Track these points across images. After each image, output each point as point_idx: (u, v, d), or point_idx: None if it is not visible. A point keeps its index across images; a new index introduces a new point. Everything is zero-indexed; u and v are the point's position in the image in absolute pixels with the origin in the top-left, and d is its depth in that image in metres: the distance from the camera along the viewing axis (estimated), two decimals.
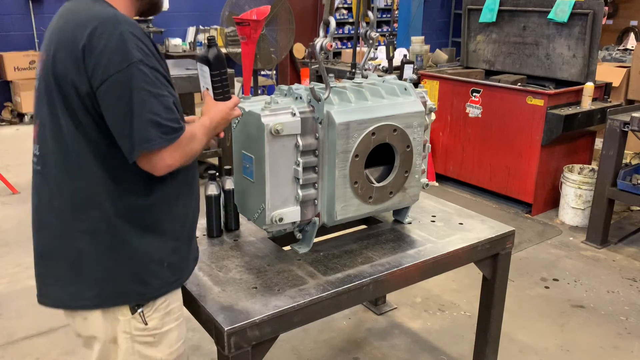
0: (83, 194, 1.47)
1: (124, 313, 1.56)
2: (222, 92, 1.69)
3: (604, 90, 4.81)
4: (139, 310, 1.56)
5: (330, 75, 1.97)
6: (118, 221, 1.49)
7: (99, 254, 1.50)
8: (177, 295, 1.67)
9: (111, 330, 1.58)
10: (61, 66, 1.40)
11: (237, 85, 6.40)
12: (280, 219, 1.91)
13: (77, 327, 1.61)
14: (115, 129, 1.40)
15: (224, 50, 6.20)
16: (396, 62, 5.27)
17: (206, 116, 1.65)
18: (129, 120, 1.36)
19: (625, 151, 4.21)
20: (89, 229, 1.49)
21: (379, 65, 5.50)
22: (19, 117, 7.53)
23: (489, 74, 5.38)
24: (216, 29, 8.80)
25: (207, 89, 1.71)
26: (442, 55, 5.90)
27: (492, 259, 2.33)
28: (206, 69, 1.67)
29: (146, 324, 1.58)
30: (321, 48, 1.85)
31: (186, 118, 1.64)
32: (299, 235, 2.08)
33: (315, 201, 1.98)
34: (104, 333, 1.58)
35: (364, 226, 2.37)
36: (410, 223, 2.35)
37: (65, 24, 1.43)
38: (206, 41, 1.69)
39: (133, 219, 1.51)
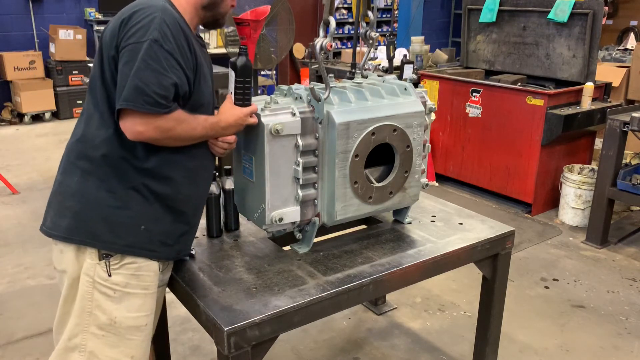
0: (91, 139, 1.68)
1: (92, 256, 1.68)
2: (242, 98, 1.80)
3: (604, 90, 4.81)
4: (105, 258, 1.67)
5: (330, 75, 1.97)
6: (109, 171, 1.66)
7: (84, 191, 1.67)
8: (150, 266, 1.75)
9: (77, 271, 1.69)
10: (107, 34, 1.67)
11: None
12: (280, 219, 1.91)
13: (54, 259, 1.75)
14: (117, 88, 1.59)
15: (223, 50, 6.19)
16: (396, 62, 5.26)
17: (218, 115, 1.79)
18: (124, 81, 1.56)
19: (625, 151, 4.21)
20: (84, 169, 1.68)
21: (379, 65, 5.50)
22: (19, 117, 7.53)
23: (489, 74, 5.38)
24: (216, 29, 8.80)
25: (231, 92, 1.83)
26: (442, 55, 5.89)
27: (492, 259, 2.33)
28: (232, 74, 1.81)
29: (110, 275, 1.68)
30: (321, 48, 1.85)
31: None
32: (299, 235, 2.08)
33: (315, 201, 1.98)
34: (72, 269, 1.70)
35: (364, 226, 2.37)
36: (410, 223, 2.34)
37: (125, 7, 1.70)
38: (238, 49, 1.84)
39: (125, 175, 1.67)
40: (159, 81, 1.56)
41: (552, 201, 4.77)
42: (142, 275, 1.73)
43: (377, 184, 2.06)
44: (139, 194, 1.69)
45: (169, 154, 1.70)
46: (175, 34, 1.61)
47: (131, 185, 1.68)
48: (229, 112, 1.79)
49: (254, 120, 1.83)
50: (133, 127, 1.58)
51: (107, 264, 1.67)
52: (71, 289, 1.71)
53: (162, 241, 1.75)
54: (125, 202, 1.67)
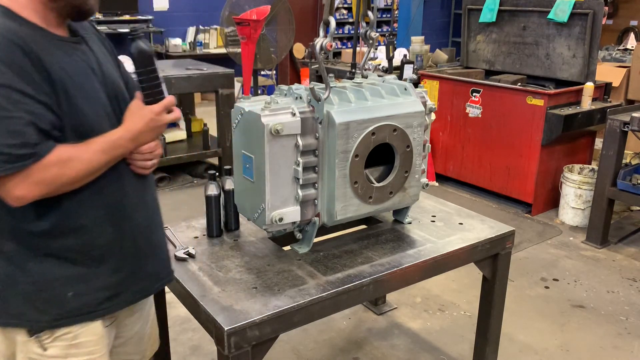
0: None
1: (22, 335, 1.47)
2: (150, 93, 1.47)
3: (604, 90, 4.81)
4: (35, 336, 1.46)
5: (330, 75, 1.97)
6: (12, 245, 1.41)
7: None
8: (90, 330, 1.52)
9: (10, 349, 1.51)
10: None
11: (237, 85, 6.40)
12: (280, 219, 1.91)
13: None
14: None
15: (223, 50, 6.20)
16: (396, 62, 5.26)
17: (121, 127, 1.45)
18: None
19: (625, 151, 4.21)
20: None
21: (379, 65, 5.50)
22: None
23: (489, 74, 5.38)
24: (216, 29, 8.80)
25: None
26: (442, 55, 5.89)
27: (492, 259, 2.33)
28: (132, 67, 1.49)
29: (45, 349, 1.48)
30: (321, 48, 1.85)
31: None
32: (299, 235, 2.08)
33: (315, 201, 1.98)
34: (4, 348, 1.51)
35: (364, 226, 2.37)
36: (410, 223, 2.34)
37: None
38: (129, 33, 1.47)
39: (28, 244, 1.41)
40: (6, 129, 1.24)
41: (552, 201, 4.77)
42: (83, 342, 1.51)
43: (377, 184, 2.06)
44: (52, 260, 1.43)
45: (68, 202, 1.40)
46: (7, 57, 1.25)
47: (39, 254, 1.42)
48: (135, 116, 1.46)
49: (172, 116, 1.52)
50: (8, 194, 1.30)
51: (40, 339, 1.46)
52: None
53: (100, 299, 1.51)
54: (39, 275, 1.43)
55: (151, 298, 1.81)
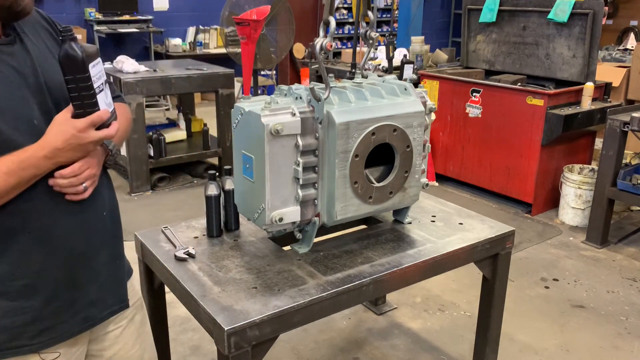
0: None
1: None
2: (81, 104, 1.26)
3: (604, 90, 4.81)
4: None
5: (330, 75, 1.97)
6: None
7: None
8: None
9: None
10: None
11: (237, 85, 6.40)
12: (280, 219, 1.91)
13: None
14: None
15: (223, 50, 6.20)
16: (396, 62, 5.27)
17: (38, 141, 1.25)
18: None
19: (625, 151, 4.21)
20: None
21: (379, 65, 5.50)
22: None
23: (489, 74, 5.38)
24: (216, 29, 8.80)
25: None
26: (442, 55, 5.90)
27: (492, 259, 2.33)
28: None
29: None
30: (321, 48, 1.84)
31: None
32: (299, 235, 2.08)
33: (315, 201, 1.98)
34: None
35: (364, 226, 2.37)
36: (410, 223, 2.34)
37: None
38: (61, 35, 1.26)
39: None
40: None
41: (552, 201, 4.77)
42: None
43: (377, 184, 2.06)
44: None
45: None
46: None
47: None
48: (56, 129, 1.25)
49: (102, 134, 1.30)
50: None
51: None
52: None
53: (33, 332, 1.36)
54: None
55: (140, 317, 1.70)
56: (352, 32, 9.59)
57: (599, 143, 4.83)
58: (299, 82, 6.26)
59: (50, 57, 1.35)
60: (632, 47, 7.45)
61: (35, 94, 1.29)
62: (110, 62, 5.21)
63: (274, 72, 8.10)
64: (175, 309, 2.97)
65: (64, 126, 1.25)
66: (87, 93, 1.26)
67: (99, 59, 1.33)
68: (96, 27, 7.78)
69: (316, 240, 2.12)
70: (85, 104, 1.27)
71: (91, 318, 1.48)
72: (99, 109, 1.28)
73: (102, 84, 1.33)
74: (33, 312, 1.34)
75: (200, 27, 8.84)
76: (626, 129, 3.87)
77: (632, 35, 8.75)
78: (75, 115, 1.27)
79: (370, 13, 2.15)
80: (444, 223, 2.37)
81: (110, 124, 1.33)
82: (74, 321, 1.43)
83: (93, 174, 1.35)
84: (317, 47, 1.84)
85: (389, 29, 9.50)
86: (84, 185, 1.33)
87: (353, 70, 4.60)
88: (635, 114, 3.82)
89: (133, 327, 1.68)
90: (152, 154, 5.01)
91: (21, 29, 1.33)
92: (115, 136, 1.35)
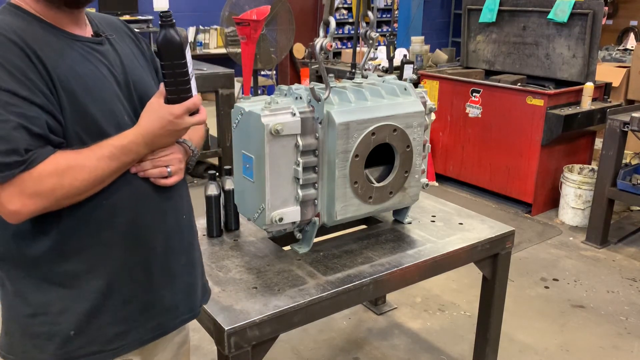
0: None
1: None
2: (175, 90, 1.27)
3: (604, 90, 4.81)
4: None
5: (330, 75, 1.97)
6: (12, 271, 1.28)
7: (3, 299, 1.32)
8: None
9: None
10: None
11: (237, 85, 6.40)
12: (280, 219, 1.91)
13: None
14: None
15: (223, 50, 6.20)
16: (396, 62, 5.27)
17: (135, 128, 1.26)
18: None
19: (625, 151, 4.21)
20: None
21: (379, 65, 5.50)
22: None
23: (489, 74, 5.38)
24: (216, 29, 8.80)
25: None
26: (442, 55, 5.90)
27: (492, 259, 2.33)
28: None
29: None
30: (321, 48, 1.85)
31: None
32: (299, 235, 2.08)
33: (315, 201, 1.98)
34: None
35: (364, 226, 2.37)
36: (410, 223, 2.34)
37: None
38: (160, 20, 1.28)
39: (27, 269, 1.26)
40: None
41: (552, 201, 4.77)
42: None
43: (377, 184, 2.06)
44: (53, 288, 1.27)
45: (68, 219, 1.23)
46: (1, 55, 1.14)
47: (38, 281, 1.26)
48: (152, 116, 1.27)
49: (196, 119, 1.32)
50: (2, 209, 1.15)
51: None
52: None
53: (108, 336, 1.32)
54: (39, 306, 1.27)
55: (185, 334, 1.64)
56: (352, 32, 9.59)
57: (599, 143, 4.83)
58: (299, 82, 6.26)
59: (135, 61, 1.40)
60: (632, 47, 7.45)
61: (124, 91, 1.32)
62: None
63: (274, 72, 8.10)
64: None
65: (160, 112, 1.26)
66: (183, 79, 1.27)
67: (188, 46, 1.32)
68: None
69: (316, 240, 2.12)
70: (180, 90, 1.27)
71: (164, 325, 1.42)
72: (191, 95, 1.29)
73: (192, 70, 1.34)
74: (110, 313, 1.31)
75: (200, 27, 8.83)
76: (626, 129, 3.87)
77: (632, 35, 8.75)
78: (168, 101, 1.27)
79: (370, 13, 2.15)
80: (444, 223, 2.37)
81: (199, 110, 1.33)
82: (147, 327, 1.38)
83: (179, 158, 1.36)
84: (317, 47, 1.84)
85: (389, 29, 9.50)
86: (168, 170, 1.32)
87: (353, 70, 4.60)
88: (635, 114, 3.82)
89: (180, 347, 1.63)
90: None
91: (109, 33, 1.38)
92: (205, 121, 1.36)
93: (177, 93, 1.27)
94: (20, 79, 1.13)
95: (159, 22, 1.27)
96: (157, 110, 1.27)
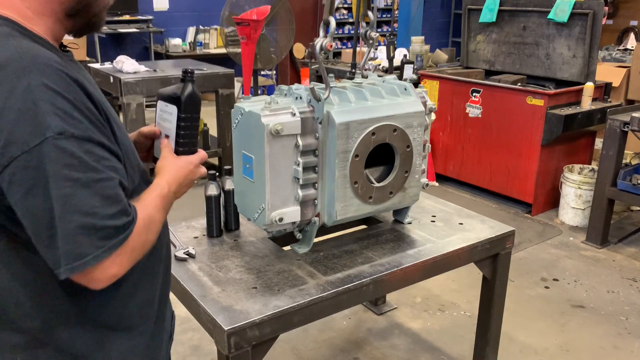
0: (6, 300, 1.08)
1: None
2: (188, 142, 1.30)
3: (604, 90, 4.81)
4: None
5: (330, 75, 1.97)
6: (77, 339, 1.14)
7: None
8: None
9: None
10: None
11: (237, 85, 6.40)
12: (280, 219, 1.91)
13: None
14: (32, 234, 0.97)
15: (223, 50, 6.20)
16: (396, 62, 5.27)
17: (162, 179, 1.21)
18: (49, 226, 0.94)
19: (625, 151, 4.21)
20: (21, 344, 1.10)
21: (379, 65, 5.50)
22: None
23: (489, 74, 5.38)
24: (216, 29, 8.80)
25: (167, 136, 1.32)
26: (442, 55, 5.90)
27: (492, 259, 2.33)
28: (173, 110, 1.30)
29: None
30: (321, 48, 1.84)
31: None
32: (299, 235, 2.08)
33: (315, 201, 1.98)
34: None
35: (364, 226, 2.37)
36: (410, 223, 2.34)
37: None
38: (182, 74, 1.32)
39: (92, 333, 1.15)
40: (103, 196, 0.97)
41: (552, 201, 4.76)
42: None
43: (377, 184, 2.06)
44: (110, 332, 1.18)
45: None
46: (73, 97, 0.97)
47: (97, 324, 1.16)
48: (174, 168, 1.25)
49: (204, 171, 1.34)
50: (104, 275, 1.01)
51: None
52: None
53: None
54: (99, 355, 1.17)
55: None
56: (352, 32, 9.59)
57: (599, 143, 4.83)
58: (299, 82, 6.25)
59: None
60: (632, 47, 7.45)
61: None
62: (110, 62, 5.21)
63: (274, 72, 8.10)
64: (175, 308, 2.96)
65: (180, 162, 1.27)
66: (194, 132, 1.33)
67: None
68: None
69: (316, 240, 2.12)
70: (191, 143, 1.32)
71: (168, 350, 1.43)
72: (197, 149, 1.34)
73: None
74: (151, 344, 1.29)
75: (200, 27, 8.83)
76: (626, 129, 3.87)
77: (632, 35, 8.74)
78: (179, 152, 1.30)
79: (370, 13, 2.15)
80: (444, 223, 2.37)
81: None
82: (163, 351, 1.36)
83: None
84: (317, 47, 1.84)
85: (389, 29, 9.50)
86: None
87: (353, 70, 4.60)
88: (635, 114, 3.82)
89: None
90: None
91: None
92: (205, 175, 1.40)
93: (189, 145, 1.32)
94: (97, 125, 1.01)
95: (181, 77, 1.32)
96: (176, 161, 1.27)
